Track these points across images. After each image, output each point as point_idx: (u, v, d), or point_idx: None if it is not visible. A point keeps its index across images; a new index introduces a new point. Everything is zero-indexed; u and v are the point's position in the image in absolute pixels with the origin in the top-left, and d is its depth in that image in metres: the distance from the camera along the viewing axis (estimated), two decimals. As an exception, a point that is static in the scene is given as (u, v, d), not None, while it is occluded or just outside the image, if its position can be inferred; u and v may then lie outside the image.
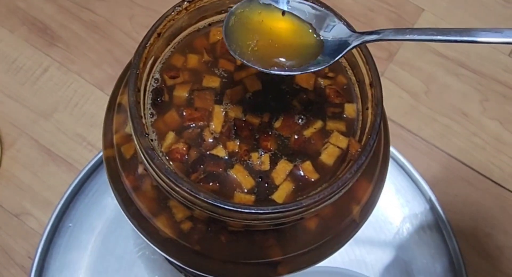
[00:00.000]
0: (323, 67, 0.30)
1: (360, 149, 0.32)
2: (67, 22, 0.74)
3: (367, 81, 0.34)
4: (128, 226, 0.62)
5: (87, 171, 0.63)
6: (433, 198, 0.63)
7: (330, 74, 0.37)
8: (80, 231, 0.62)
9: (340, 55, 0.30)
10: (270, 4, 0.32)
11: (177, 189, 0.31)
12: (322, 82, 0.37)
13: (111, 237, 0.62)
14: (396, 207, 0.65)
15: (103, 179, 0.64)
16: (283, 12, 0.32)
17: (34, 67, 0.71)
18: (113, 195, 0.57)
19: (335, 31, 0.31)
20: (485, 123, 0.70)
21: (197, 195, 0.30)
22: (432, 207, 0.64)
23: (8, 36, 0.73)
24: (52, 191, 0.65)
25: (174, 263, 0.61)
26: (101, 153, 0.64)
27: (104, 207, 0.63)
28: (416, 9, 0.77)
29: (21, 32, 0.73)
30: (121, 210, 0.38)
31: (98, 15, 0.75)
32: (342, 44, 0.31)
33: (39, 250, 0.59)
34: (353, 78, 0.37)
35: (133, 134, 0.32)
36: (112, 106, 0.39)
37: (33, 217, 0.63)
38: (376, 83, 0.33)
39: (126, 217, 0.37)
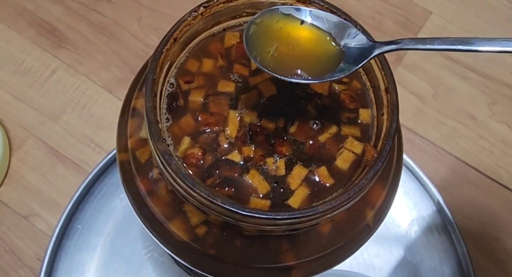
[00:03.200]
0: (345, 75, 0.31)
1: (376, 155, 0.32)
2: (75, 24, 0.74)
3: (382, 87, 0.35)
4: (136, 228, 0.62)
5: (96, 173, 0.63)
6: (441, 201, 0.63)
7: (345, 80, 0.37)
8: (89, 233, 0.62)
9: (362, 63, 0.31)
10: (290, 14, 0.32)
11: (194, 194, 0.31)
12: (336, 87, 0.37)
13: (119, 239, 0.62)
14: (404, 210, 0.65)
15: (111, 181, 0.64)
16: (302, 21, 0.32)
17: (42, 69, 0.71)
18: (126, 198, 0.57)
19: (355, 41, 0.32)
20: (492, 126, 0.70)
21: (214, 201, 0.30)
22: (440, 210, 0.64)
23: (16, 38, 0.73)
24: (60, 193, 0.65)
25: (183, 265, 0.61)
26: (109, 156, 0.65)
27: (113, 209, 0.63)
28: (424, 12, 0.77)
29: (29, 33, 0.73)
30: (135, 214, 0.38)
31: (106, 17, 0.75)
32: (362, 53, 0.31)
33: (48, 251, 0.59)
34: (368, 83, 0.37)
35: (149, 139, 0.32)
36: (126, 110, 0.39)
37: (42, 219, 0.63)
38: (392, 88, 0.33)
39: (140, 221, 0.37)
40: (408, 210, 0.65)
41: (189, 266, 0.38)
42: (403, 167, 0.66)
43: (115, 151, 0.63)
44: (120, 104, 0.70)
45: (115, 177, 0.65)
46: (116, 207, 0.64)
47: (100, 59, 0.72)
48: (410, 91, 0.72)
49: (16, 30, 0.73)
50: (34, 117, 0.68)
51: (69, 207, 0.61)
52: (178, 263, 0.61)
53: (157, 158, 0.32)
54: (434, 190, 0.64)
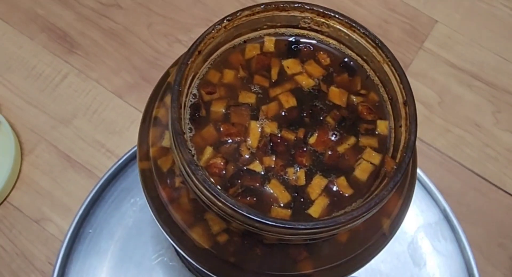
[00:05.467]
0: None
1: (395, 167, 0.33)
2: (86, 30, 0.75)
3: (400, 100, 0.35)
4: (147, 232, 0.63)
5: (107, 178, 0.64)
6: (447, 208, 0.64)
7: (363, 91, 0.38)
8: (99, 237, 0.63)
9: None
10: None
11: (219, 203, 0.32)
12: (354, 99, 0.38)
13: (130, 244, 0.63)
14: (411, 217, 0.66)
15: (122, 186, 0.65)
16: None
17: (54, 74, 0.72)
18: (136, 203, 0.58)
19: None
20: (497, 135, 0.71)
21: (239, 210, 0.31)
22: (446, 217, 0.65)
23: (28, 43, 0.74)
24: (71, 197, 0.65)
25: (194, 270, 0.61)
26: (120, 161, 0.65)
27: (124, 214, 0.64)
28: (429, 21, 0.78)
29: (40, 39, 0.74)
30: (156, 220, 0.39)
31: (117, 23, 0.76)
32: None
33: (60, 255, 0.60)
34: (385, 95, 0.38)
35: (174, 148, 0.33)
36: (148, 119, 0.39)
37: (53, 223, 0.64)
38: (410, 101, 0.34)
39: (160, 228, 0.38)
40: (414, 216, 0.66)
41: (208, 273, 0.38)
42: (410, 175, 0.67)
43: (125, 157, 0.65)
44: (130, 109, 0.71)
45: (126, 182, 0.66)
46: (126, 212, 0.64)
47: (111, 64, 0.73)
48: (417, 99, 0.72)
49: (28, 35, 0.74)
50: (46, 122, 0.69)
51: (80, 212, 0.62)
52: (188, 267, 0.62)
53: (182, 168, 0.33)
54: (440, 197, 0.65)
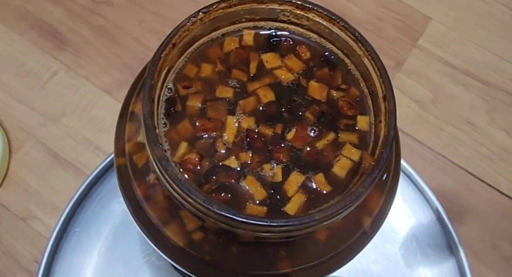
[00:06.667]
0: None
1: (373, 163, 0.32)
2: (76, 27, 0.74)
3: (380, 94, 0.35)
4: (134, 232, 0.62)
5: (95, 176, 0.63)
6: (440, 208, 0.63)
7: (343, 86, 0.37)
8: (86, 236, 0.62)
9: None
10: None
11: (190, 200, 0.31)
12: (335, 94, 0.37)
13: (117, 243, 0.62)
14: (403, 217, 0.65)
15: (110, 184, 0.64)
16: None
17: (43, 71, 0.71)
18: (123, 203, 0.57)
19: None
20: (492, 134, 0.70)
21: (210, 207, 0.30)
22: (439, 217, 0.64)
23: (17, 40, 0.73)
24: (59, 195, 0.65)
25: (180, 270, 0.61)
26: (109, 159, 0.64)
27: (111, 213, 0.63)
28: (424, 19, 0.77)
29: (30, 36, 0.73)
30: (131, 218, 0.38)
31: (107, 20, 0.75)
32: None
33: (46, 254, 0.59)
34: (366, 90, 0.37)
35: (146, 144, 0.32)
36: (125, 114, 0.39)
37: (40, 221, 0.63)
38: (389, 96, 0.33)
39: (136, 225, 0.37)
40: (406, 217, 0.65)
41: (185, 272, 0.37)
42: (402, 174, 0.66)
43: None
44: (120, 107, 0.70)
45: (114, 181, 0.64)
46: (114, 210, 0.63)
47: (101, 62, 0.72)
48: (410, 97, 0.72)
49: (17, 32, 0.73)
50: (34, 119, 0.68)
51: (67, 210, 0.61)
52: (175, 267, 0.61)
53: (154, 164, 0.32)
54: (432, 197, 0.64)
